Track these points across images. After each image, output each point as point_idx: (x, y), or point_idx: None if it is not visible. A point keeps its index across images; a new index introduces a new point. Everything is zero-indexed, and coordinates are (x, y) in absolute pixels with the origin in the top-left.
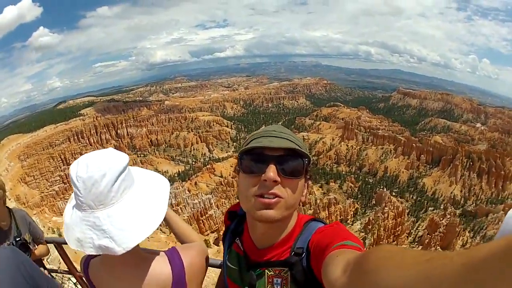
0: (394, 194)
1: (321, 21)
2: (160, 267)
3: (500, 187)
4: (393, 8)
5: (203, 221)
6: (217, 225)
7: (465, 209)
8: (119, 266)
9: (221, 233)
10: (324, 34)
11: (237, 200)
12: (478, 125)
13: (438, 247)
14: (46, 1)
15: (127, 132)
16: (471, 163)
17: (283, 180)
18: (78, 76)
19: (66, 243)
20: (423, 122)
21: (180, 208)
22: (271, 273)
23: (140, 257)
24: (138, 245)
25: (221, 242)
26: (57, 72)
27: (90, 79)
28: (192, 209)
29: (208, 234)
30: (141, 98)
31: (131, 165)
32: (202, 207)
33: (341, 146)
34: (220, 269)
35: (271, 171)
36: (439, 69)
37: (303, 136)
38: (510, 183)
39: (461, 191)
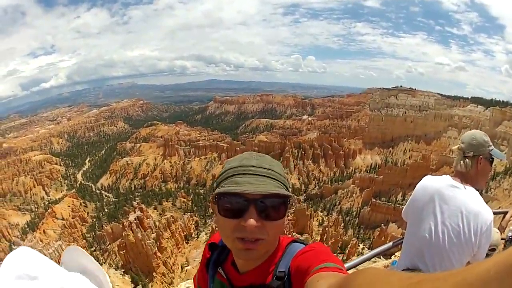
0: None
1: (139, 39)
2: None
3: (343, 165)
4: (213, 20)
5: None
6: None
7: (309, 193)
8: None
9: None
10: (141, 53)
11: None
12: (305, 117)
13: (294, 233)
14: None
15: None
16: (303, 152)
17: (264, 223)
18: None
19: None
20: (243, 125)
21: None
22: None
23: None
24: None
25: None
26: None
27: None
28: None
29: None
30: None
31: None
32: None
33: (164, 164)
34: None
35: (251, 218)
36: (258, 73)
37: (127, 162)
38: (353, 160)
39: (299, 179)
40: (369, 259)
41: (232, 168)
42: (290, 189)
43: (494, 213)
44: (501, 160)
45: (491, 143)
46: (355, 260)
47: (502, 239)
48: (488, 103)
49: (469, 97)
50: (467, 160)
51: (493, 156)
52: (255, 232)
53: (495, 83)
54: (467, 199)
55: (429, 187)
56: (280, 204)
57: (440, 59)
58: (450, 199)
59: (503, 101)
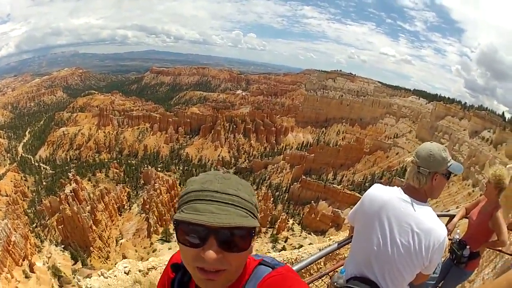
0: (159, 169)
1: (87, 7)
2: None
3: (274, 141)
4: None
5: (12, 252)
6: (23, 251)
7: (239, 167)
8: None
9: (31, 259)
10: (86, 21)
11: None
12: (239, 91)
13: None
14: None
15: None
16: (234, 126)
17: (226, 254)
18: None
19: None
20: (177, 96)
21: None
22: None
23: None
24: None
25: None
26: None
27: None
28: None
29: (21, 264)
30: None
31: None
32: (5, 236)
33: (98, 134)
34: None
35: (211, 250)
36: (197, 46)
37: (63, 132)
38: (284, 137)
39: (229, 152)
40: (316, 260)
41: (194, 192)
42: (258, 214)
43: (440, 216)
44: (457, 174)
45: (449, 158)
46: (304, 261)
47: (449, 239)
48: (431, 97)
49: (412, 89)
50: (421, 176)
51: (451, 172)
52: (216, 264)
53: (442, 80)
54: (419, 216)
55: (378, 198)
56: (244, 235)
57: (385, 50)
58: (401, 214)
59: (448, 97)
